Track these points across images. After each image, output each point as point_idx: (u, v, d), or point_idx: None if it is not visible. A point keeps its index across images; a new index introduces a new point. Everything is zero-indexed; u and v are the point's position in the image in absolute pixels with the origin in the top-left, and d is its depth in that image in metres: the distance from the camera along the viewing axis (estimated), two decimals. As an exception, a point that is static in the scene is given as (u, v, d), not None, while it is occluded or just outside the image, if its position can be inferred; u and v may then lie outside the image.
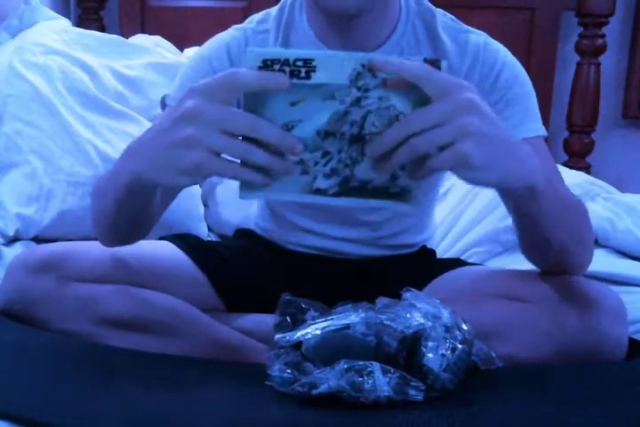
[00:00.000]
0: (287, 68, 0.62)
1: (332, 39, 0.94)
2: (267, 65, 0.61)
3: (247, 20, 1.01)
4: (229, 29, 1.01)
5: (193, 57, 1.01)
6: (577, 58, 2.01)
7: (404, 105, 0.64)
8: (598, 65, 2.00)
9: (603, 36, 1.97)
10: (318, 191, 0.66)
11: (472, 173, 0.65)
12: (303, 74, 0.62)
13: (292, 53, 0.62)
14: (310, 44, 0.95)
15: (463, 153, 0.63)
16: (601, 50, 1.98)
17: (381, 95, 0.63)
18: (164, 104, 0.93)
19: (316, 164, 0.65)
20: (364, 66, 0.62)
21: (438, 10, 0.99)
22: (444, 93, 0.62)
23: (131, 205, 0.78)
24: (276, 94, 0.62)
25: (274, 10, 1.00)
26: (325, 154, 0.65)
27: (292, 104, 0.63)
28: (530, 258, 0.91)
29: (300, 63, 0.62)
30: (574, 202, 0.87)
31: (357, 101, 0.63)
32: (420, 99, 0.63)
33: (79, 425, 0.63)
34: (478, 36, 0.98)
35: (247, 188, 0.66)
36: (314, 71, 0.62)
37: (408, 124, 0.63)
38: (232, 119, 0.63)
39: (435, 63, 0.63)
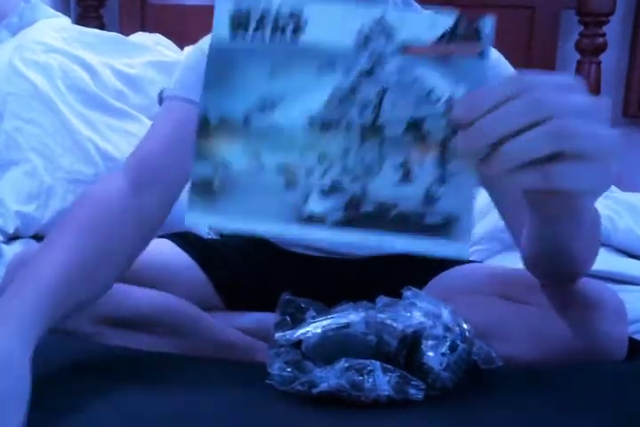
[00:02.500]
0: (268, 22, 0.45)
1: None
2: (238, 22, 0.45)
3: None
4: None
5: (192, 52, 0.97)
6: (577, 56, 2.01)
7: (436, 79, 0.46)
8: (599, 64, 1.99)
9: (603, 34, 1.97)
10: (311, 219, 0.45)
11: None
12: (289, 32, 0.45)
13: (273, 2, 0.45)
14: None
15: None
16: (601, 48, 1.98)
17: (402, 65, 0.46)
18: (161, 99, 0.92)
19: (309, 173, 0.45)
20: (374, 22, 0.45)
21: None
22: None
23: None
24: (249, 57, 0.46)
25: None
26: (323, 157, 0.45)
27: (272, 74, 0.45)
28: (537, 273, 0.84)
29: (284, 16, 0.45)
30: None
31: (368, 73, 0.46)
32: (462, 71, 0.46)
33: (77, 425, 0.63)
34: None
35: (198, 205, 0.46)
36: (303, 28, 0.45)
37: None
38: None
39: (470, 27, 0.45)
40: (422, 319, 0.71)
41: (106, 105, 1.48)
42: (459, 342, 0.71)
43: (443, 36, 0.46)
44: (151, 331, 0.88)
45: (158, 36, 1.71)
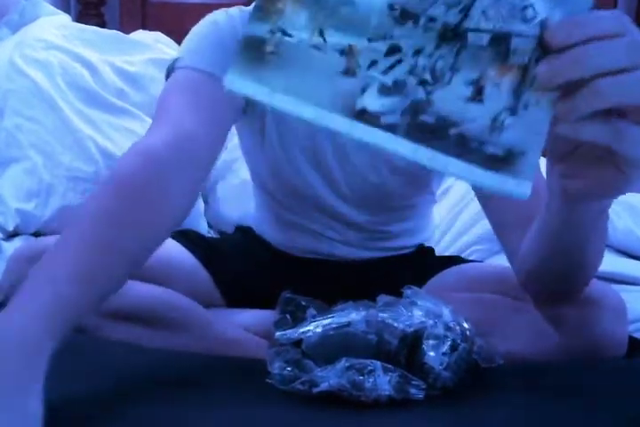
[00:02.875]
0: None
1: None
2: None
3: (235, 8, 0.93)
4: (234, 8, 0.91)
5: (205, 24, 0.90)
6: (578, 56, 2.01)
7: None
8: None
9: (604, 34, 1.97)
10: (363, 115, 0.40)
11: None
12: None
13: None
14: None
15: None
16: (602, 48, 1.98)
17: None
18: (169, 72, 0.87)
19: (373, 63, 0.40)
20: None
21: None
22: None
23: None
24: None
25: None
26: (393, 50, 0.39)
27: None
28: (537, 287, 0.82)
29: None
30: None
31: None
32: None
33: (75, 420, 0.63)
34: None
35: (242, 67, 0.39)
36: None
37: None
38: None
39: None
40: (423, 319, 0.71)
41: (106, 103, 1.48)
42: (459, 342, 0.71)
43: None
44: (151, 326, 0.88)
45: (158, 34, 1.71)
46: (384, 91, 0.39)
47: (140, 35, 1.70)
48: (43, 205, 1.37)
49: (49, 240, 0.92)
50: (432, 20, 0.39)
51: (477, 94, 0.40)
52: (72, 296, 0.60)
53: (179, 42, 1.69)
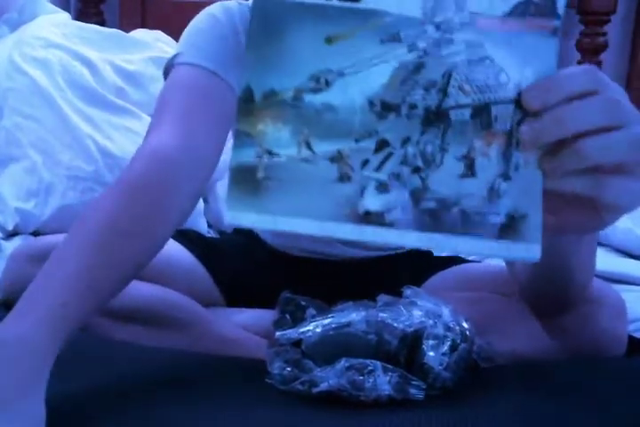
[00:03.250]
0: None
1: None
2: None
3: (250, 0, 0.90)
4: (232, 1, 0.89)
5: (204, 17, 0.88)
6: (578, 56, 2.01)
7: (505, 58, 0.40)
8: (599, 63, 1.99)
9: (604, 34, 1.97)
10: (367, 217, 0.39)
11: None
12: None
13: None
14: None
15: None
16: (602, 48, 1.98)
17: (471, 39, 0.40)
18: (167, 68, 0.87)
19: (365, 163, 0.39)
20: None
21: None
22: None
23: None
24: (302, 14, 0.38)
25: None
26: (381, 145, 0.39)
27: (329, 40, 0.38)
28: (533, 299, 0.82)
29: None
30: None
31: (435, 47, 0.40)
32: (532, 50, 0.41)
33: (75, 419, 0.63)
34: None
35: (239, 203, 0.39)
36: None
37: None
38: None
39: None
40: (423, 319, 0.71)
41: (105, 101, 1.47)
42: (459, 342, 0.71)
43: (515, 8, 0.40)
44: (151, 325, 0.88)
45: (159, 33, 1.70)
46: (381, 188, 0.39)
47: (140, 33, 1.70)
48: (42, 205, 1.37)
49: (48, 239, 0.92)
50: (413, 107, 0.39)
51: (469, 168, 0.41)
52: (75, 302, 0.61)
53: (179, 40, 1.70)
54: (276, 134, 0.38)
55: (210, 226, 1.56)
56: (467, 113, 0.40)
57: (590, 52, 1.98)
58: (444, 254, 1.38)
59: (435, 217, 0.40)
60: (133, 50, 1.60)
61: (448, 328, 0.71)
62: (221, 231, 1.52)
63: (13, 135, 1.40)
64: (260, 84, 0.38)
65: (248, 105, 0.39)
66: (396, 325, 0.71)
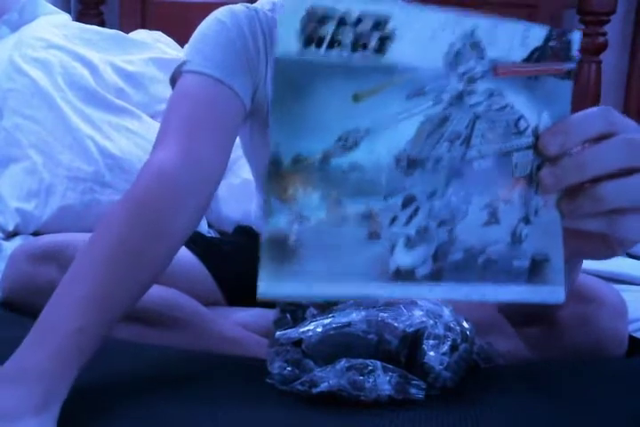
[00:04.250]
0: (348, 32, 0.36)
1: None
2: (311, 19, 0.35)
3: (257, 3, 0.92)
4: (239, 4, 0.88)
5: (212, 23, 0.87)
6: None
7: (523, 103, 0.41)
8: (599, 63, 1.99)
9: (604, 34, 1.97)
10: (399, 274, 0.39)
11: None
12: (374, 44, 0.36)
13: (355, 3, 0.36)
14: None
15: None
16: (602, 48, 1.98)
17: (491, 88, 0.40)
18: (174, 80, 0.85)
19: (393, 220, 0.39)
20: (464, 37, 0.38)
21: None
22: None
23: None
24: (329, 77, 0.36)
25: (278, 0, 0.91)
26: (408, 201, 0.39)
27: (356, 98, 0.37)
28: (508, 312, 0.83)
29: (367, 23, 0.36)
30: None
31: (459, 99, 0.39)
32: (548, 93, 0.41)
33: (75, 419, 0.63)
34: None
35: (272, 274, 0.37)
36: (391, 40, 0.37)
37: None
38: None
39: (563, 39, 0.40)
40: (423, 318, 0.71)
41: (106, 102, 1.47)
42: (460, 342, 0.71)
43: (532, 53, 0.41)
44: (152, 324, 0.88)
45: (159, 34, 1.70)
46: (410, 244, 0.39)
47: (140, 34, 1.70)
48: (43, 205, 1.37)
49: (48, 239, 0.92)
50: (438, 160, 0.39)
51: (493, 216, 0.41)
52: (91, 326, 0.62)
53: (179, 41, 1.70)
54: (306, 198, 0.37)
55: (210, 226, 1.56)
56: (490, 162, 0.40)
57: (590, 52, 1.98)
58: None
59: (462, 268, 0.40)
60: (133, 51, 1.60)
61: (448, 328, 0.71)
62: (222, 232, 1.53)
63: (14, 136, 1.40)
64: (288, 150, 0.37)
65: (277, 171, 0.37)
66: (396, 324, 0.71)
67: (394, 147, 0.38)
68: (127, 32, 1.68)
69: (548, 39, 0.41)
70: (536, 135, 0.41)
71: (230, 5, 0.88)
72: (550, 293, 0.42)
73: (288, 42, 0.36)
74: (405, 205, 0.39)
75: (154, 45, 1.64)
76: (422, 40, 0.37)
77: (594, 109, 0.42)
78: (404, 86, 0.37)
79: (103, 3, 2.04)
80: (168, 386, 0.71)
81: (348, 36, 0.36)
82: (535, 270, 0.41)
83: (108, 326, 0.65)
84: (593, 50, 1.98)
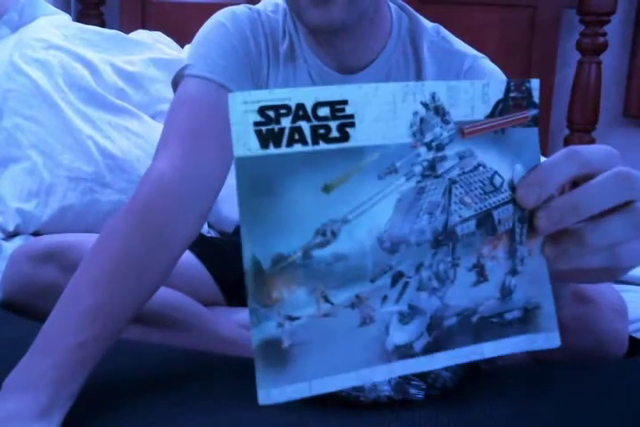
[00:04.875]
0: (305, 126, 0.35)
1: (323, 54, 0.87)
2: (266, 118, 0.34)
3: (259, 4, 0.92)
4: (241, 6, 0.89)
5: (214, 25, 0.87)
6: (578, 56, 2.01)
7: (494, 158, 0.40)
8: (599, 63, 1.99)
9: (604, 34, 1.97)
10: (398, 352, 0.38)
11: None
12: (335, 132, 0.35)
13: (307, 94, 0.35)
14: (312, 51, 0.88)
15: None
16: (602, 48, 1.98)
17: (461, 150, 0.39)
18: (175, 83, 0.85)
19: (384, 300, 0.37)
20: (426, 104, 0.37)
21: (433, 26, 0.91)
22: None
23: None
24: (294, 170, 0.35)
25: (281, 2, 0.91)
26: (396, 278, 0.38)
27: (326, 189, 0.36)
28: None
29: (324, 113, 0.35)
30: None
31: (431, 168, 0.38)
32: (516, 144, 0.40)
33: (75, 419, 0.63)
34: (463, 59, 0.88)
35: (270, 381, 0.35)
36: (352, 125, 0.36)
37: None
38: None
39: (522, 88, 0.40)
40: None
41: (106, 102, 1.48)
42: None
43: (495, 107, 0.40)
44: (152, 325, 0.88)
45: (159, 34, 1.71)
46: (404, 319, 0.38)
47: (140, 34, 1.70)
48: (43, 205, 1.37)
49: (48, 239, 0.92)
50: (421, 233, 0.38)
51: (480, 275, 0.40)
52: (92, 342, 0.63)
53: (179, 41, 1.70)
54: (293, 298, 0.36)
55: (210, 226, 1.56)
56: (472, 225, 0.40)
57: (590, 52, 1.98)
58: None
59: (458, 332, 0.39)
60: (134, 51, 1.60)
61: (448, 328, 0.71)
62: (222, 232, 1.53)
63: (14, 136, 1.40)
64: (265, 252, 0.35)
65: (259, 276, 0.35)
66: (396, 325, 0.71)
67: (374, 229, 0.37)
68: (127, 32, 1.68)
69: (508, 91, 0.40)
70: (512, 188, 0.40)
71: (232, 7, 0.88)
72: (546, 339, 0.42)
73: (246, 144, 0.35)
74: (394, 282, 0.38)
75: (154, 46, 1.64)
76: (385, 117, 0.36)
77: (561, 153, 0.41)
78: (373, 167, 0.36)
79: (103, 3, 2.04)
80: (168, 386, 0.71)
81: (306, 130, 0.35)
82: (528, 319, 0.41)
83: (110, 338, 0.65)
84: (593, 50, 1.98)
